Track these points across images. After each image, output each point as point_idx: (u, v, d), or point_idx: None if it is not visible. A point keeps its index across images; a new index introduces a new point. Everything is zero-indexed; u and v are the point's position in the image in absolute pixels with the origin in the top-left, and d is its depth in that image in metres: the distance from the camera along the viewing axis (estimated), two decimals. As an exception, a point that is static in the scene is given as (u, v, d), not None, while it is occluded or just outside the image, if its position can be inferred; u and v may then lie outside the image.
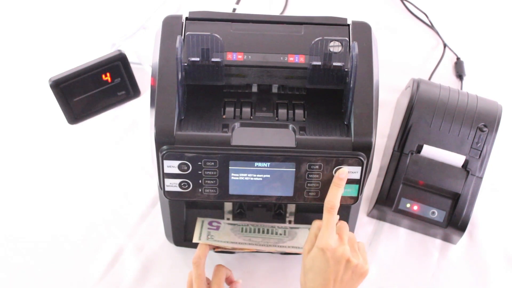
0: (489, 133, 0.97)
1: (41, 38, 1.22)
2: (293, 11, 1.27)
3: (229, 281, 0.93)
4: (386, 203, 0.97)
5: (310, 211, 0.96)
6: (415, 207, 0.97)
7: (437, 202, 0.97)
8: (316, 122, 0.82)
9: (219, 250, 0.92)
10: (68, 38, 1.22)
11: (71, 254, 1.00)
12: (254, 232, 0.94)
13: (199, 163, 0.79)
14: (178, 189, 0.82)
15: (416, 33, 1.26)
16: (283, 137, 0.80)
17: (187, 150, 0.79)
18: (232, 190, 0.82)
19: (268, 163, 0.80)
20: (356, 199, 0.83)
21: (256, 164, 0.80)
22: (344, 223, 0.84)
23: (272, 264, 0.99)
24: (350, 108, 0.80)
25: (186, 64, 0.82)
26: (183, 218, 0.94)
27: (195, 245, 0.92)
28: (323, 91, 0.85)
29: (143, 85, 1.05)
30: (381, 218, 1.03)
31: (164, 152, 0.78)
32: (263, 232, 0.94)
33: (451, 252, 1.02)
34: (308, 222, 0.95)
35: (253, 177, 0.81)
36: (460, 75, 1.20)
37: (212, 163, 0.80)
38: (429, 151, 0.96)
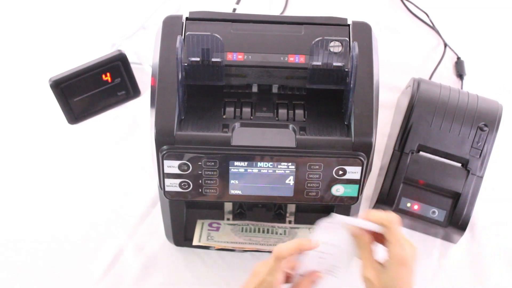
0: (489, 132, 0.97)
1: (41, 38, 1.22)
2: (293, 11, 1.27)
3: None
4: (387, 203, 0.97)
5: (310, 211, 0.96)
6: (416, 207, 0.97)
7: (437, 202, 0.97)
8: (316, 122, 0.82)
9: (220, 247, 0.92)
10: (68, 38, 1.22)
11: (71, 254, 1.00)
12: (254, 231, 0.94)
13: (199, 163, 0.79)
14: (178, 189, 0.82)
15: (417, 33, 1.26)
16: (283, 137, 0.80)
17: (187, 150, 0.78)
18: (232, 190, 0.82)
19: (268, 163, 0.80)
20: (356, 199, 0.83)
21: (256, 164, 0.80)
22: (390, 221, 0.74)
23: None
24: (350, 108, 0.80)
25: (186, 64, 0.82)
26: (183, 218, 0.94)
27: (195, 246, 0.92)
28: (323, 91, 0.85)
29: (143, 85, 1.05)
30: (382, 218, 1.03)
31: (164, 152, 0.78)
32: (263, 231, 0.94)
33: (452, 251, 1.02)
34: (308, 222, 0.95)
35: (253, 177, 0.81)
36: (460, 75, 1.20)
37: (212, 163, 0.80)
38: None
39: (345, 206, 0.89)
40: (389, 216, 0.73)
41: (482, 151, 0.97)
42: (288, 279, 0.78)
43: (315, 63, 0.82)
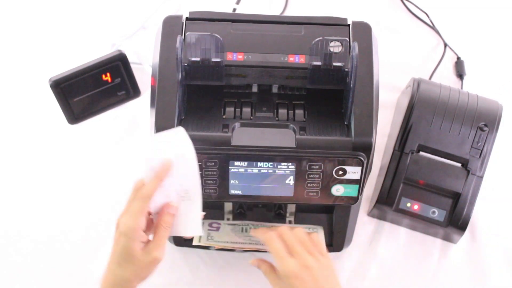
0: (489, 132, 0.97)
1: (41, 38, 1.22)
2: (293, 11, 1.27)
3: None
4: (387, 203, 0.97)
5: (310, 211, 0.96)
6: (416, 207, 0.97)
7: (437, 202, 0.97)
8: (316, 122, 0.82)
9: (220, 247, 0.92)
10: (68, 38, 1.21)
11: (71, 253, 1.00)
12: (255, 231, 0.93)
13: (199, 163, 0.79)
14: (178, 189, 0.82)
15: (417, 33, 1.26)
16: (283, 137, 0.80)
17: (187, 150, 0.78)
18: (232, 190, 0.82)
19: (268, 163, 0.80)
20: (356, 199, 0.83)
21: (256, 164, 0.80)
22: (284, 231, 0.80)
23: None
24: (350, 108, 0.80)
25: (186, 64, 0.82)
26: (183, 218, 0.94)
27: (195, 246, 0.92)
28: (323, 91, 0.85)
29: (143, 85, 1.05)
30: (382, 217, 1.03)
31: (164, 152, 0.78)
32: (263, 232, 0.94)
33: (452, 251, 1.02)
34: (308, 222, 0.95)
35: (253, 177, 0.81)
36: (460, 75, 1.20)
37: (212, 163, 0.80)
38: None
39: (345, 206, 0.89)
40: (264, 237, 0.79)
41: (482, 151, 0.97)
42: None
43: (315, 63, 0.82)
